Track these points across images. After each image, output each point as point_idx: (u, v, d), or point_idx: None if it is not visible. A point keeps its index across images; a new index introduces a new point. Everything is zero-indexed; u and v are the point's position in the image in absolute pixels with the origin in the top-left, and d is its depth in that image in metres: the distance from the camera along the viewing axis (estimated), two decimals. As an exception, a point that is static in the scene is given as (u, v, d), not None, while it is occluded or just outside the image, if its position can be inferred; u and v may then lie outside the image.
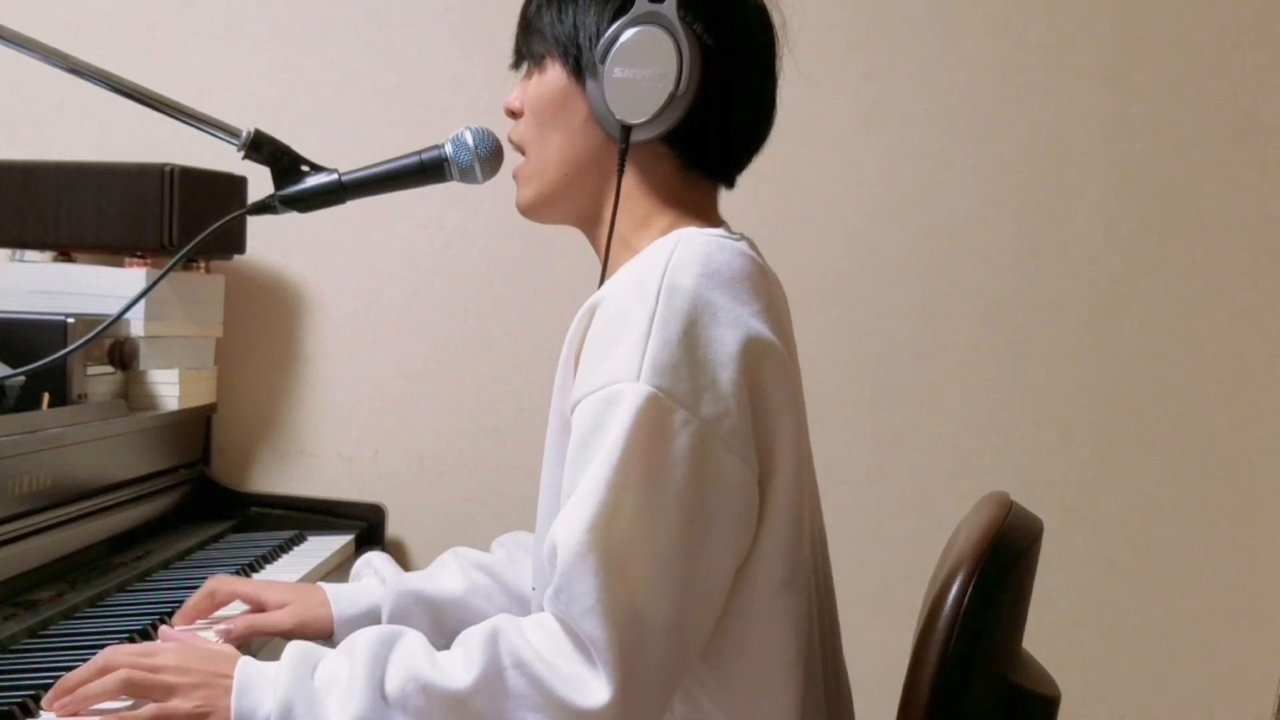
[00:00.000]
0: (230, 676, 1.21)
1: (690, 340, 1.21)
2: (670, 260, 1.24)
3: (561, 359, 1.29)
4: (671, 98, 1.29)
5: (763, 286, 1.28)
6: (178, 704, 1.20)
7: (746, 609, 1.27)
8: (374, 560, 1.63)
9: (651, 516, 1.18)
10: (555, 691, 1.16)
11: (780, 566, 1.27)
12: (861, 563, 2.34)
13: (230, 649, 1.33)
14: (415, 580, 1.57)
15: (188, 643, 1.33)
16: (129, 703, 1.23)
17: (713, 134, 1.34)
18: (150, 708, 1.21)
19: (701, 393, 1.20)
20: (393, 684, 1.18)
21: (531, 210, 1.41)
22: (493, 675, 1.17)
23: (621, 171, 1.33)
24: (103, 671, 1.22)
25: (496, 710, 1.17)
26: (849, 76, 2.39)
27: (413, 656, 1.20)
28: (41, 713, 1.25)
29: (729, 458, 1.21)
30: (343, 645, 1.24)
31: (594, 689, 1.16)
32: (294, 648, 1.25)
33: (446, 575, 1.57)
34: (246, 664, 1.23)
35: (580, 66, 1.34)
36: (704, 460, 1.20)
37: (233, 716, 1.19)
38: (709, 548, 1.21)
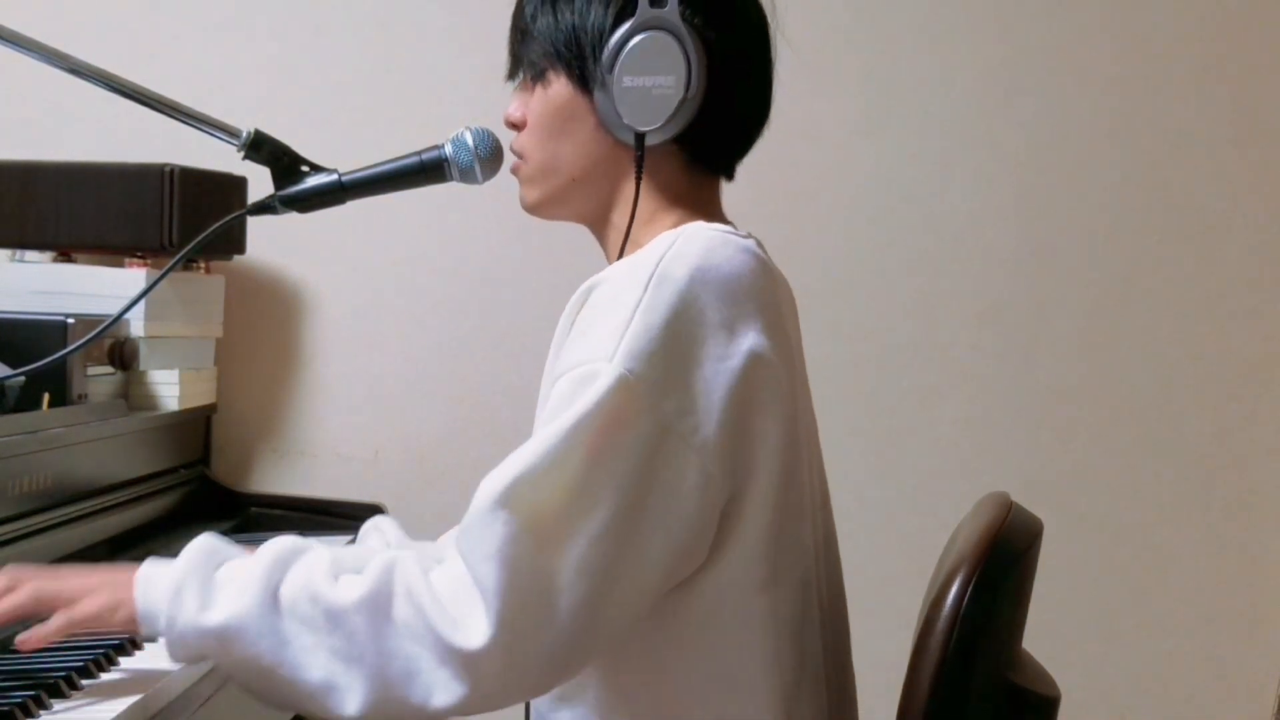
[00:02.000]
0: (134, 573, 1.25)
1: (672, 332, 1.20)
2: (668, 251, 1.24)
3: (555, 338, 1.30)
4: (682, 102, 1.29)
5: (762, 285, 1.28)
6: (84, 606, 1.25)
7: (721, 607, 1.26)
8: (381, 523, 1.60)
9: (588, 493, 1.17)
10: (436, 625, 1.16)
11: (758, 567, 1.26)
12: (861, 563, 2.33)
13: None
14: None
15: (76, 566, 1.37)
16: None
17: (719, 130, 1.35)
18: (58, 616, 1.25)
19: (671, 386, 1.20)
20: (286, 589, 1.20)
21: (536, 210, 1.42)
22: (380, 597, 1.18)
23: (639, 179, 1.32)
24: (9, 589, 1.27)
25: (375, 630, 1.18)
26: (849, 77, 2.39)
27: (312, 566, 1.22)
28: (42, 713, 1.26)
29: (686, 455, 1.20)
30: (256, 554, 1.25)
31: (473, 631, 1.15)
32: (201, 540, 1.27)
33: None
34: (150, 562, 1.26)
35: (585, 76, 1.33)
36: (656, 453, 1.19)
37: (137, 606, 1.23)
38: (642, 539, 1.19)
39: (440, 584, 1.18)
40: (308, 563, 1.22)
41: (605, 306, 1.23)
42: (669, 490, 1.20)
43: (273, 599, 1.20)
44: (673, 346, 1.20)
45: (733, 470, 1.23)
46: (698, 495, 1.21)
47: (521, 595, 1.15)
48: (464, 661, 1.16)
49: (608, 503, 1.18)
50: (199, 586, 1.22)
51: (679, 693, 1.27)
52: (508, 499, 1.16)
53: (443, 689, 1.17)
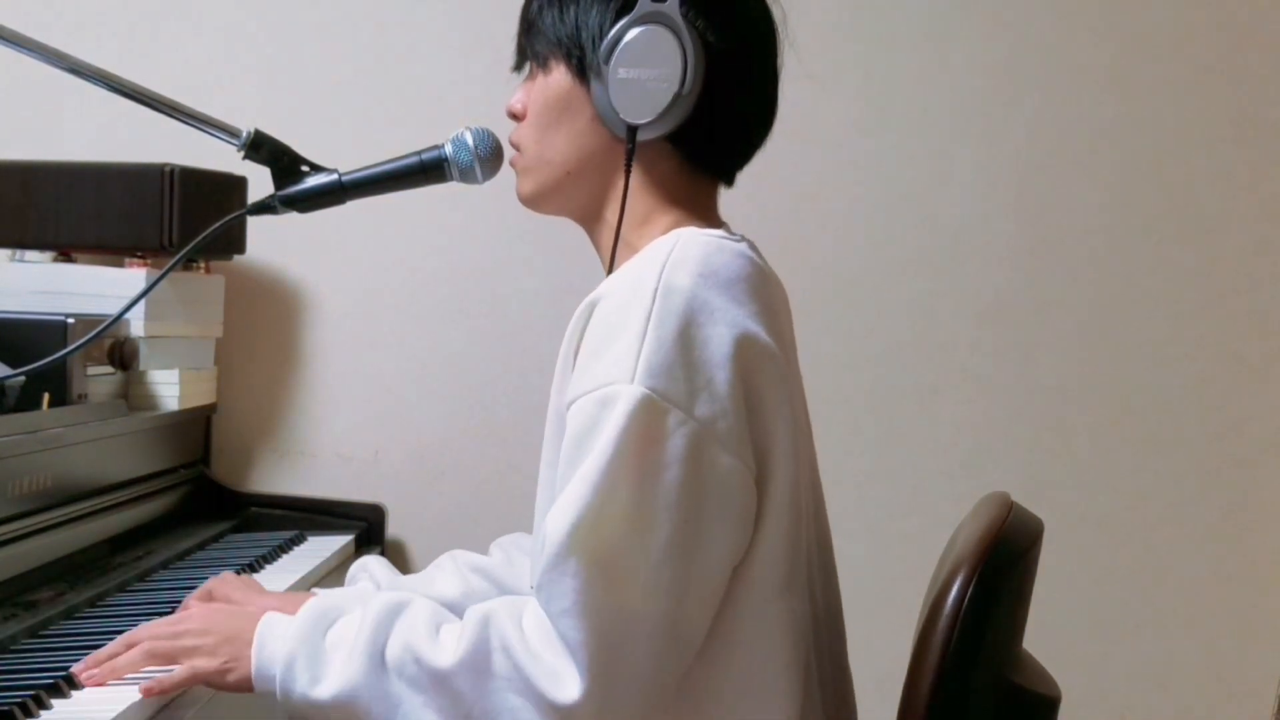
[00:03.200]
0: (251, 634, 1.28)
1: (686, 341, 1.21)
2: (668, 259, 1.24)
3: (560, 356, 1.29)
4: (676, 97, 1.29)
5: (761, 288, 1.28)
6: (203, 663, 1.28)
7: (744, 611, 1.26)
8: (369, 564, 1.63)
9: (644, 517, 1.18)
10: (533, 680, 1.18)
11: (778, 569, 1.27)
12: (861, 563, 2.33)
13: (255, 609, 1.36)
14: (411, 584, 1.58)
15: (212, 606, 1.42)
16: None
17: (716, 131, 1.34)
18: (184, 665, 1.29)
19: (697, 393, 1.20)
20: (392, 651, 1.23)
21: (531, 202, 1.42)
22: (479, 656, 1.20)
23: (628, 171, 1.33)
24: (128, 647, 1.32)
25: (479, 689, 1.20)
26: (849, 76, 2.39)
27: (414, 626, 1.24)
28: (42, 713, 1.26)
29: (725, 458, 1.21)
30: (361, 610, 1.28)
31: (568, 684, 1.18)
32: (314, 603, 1.31)
33: (442, 579, 1.57)
34: (270, 618, 1.29)
35: (584, 67, 1.34)
36: (699, 461, 1.20)
37: (253, 669, 1.26)
38: (706, 547, 1.21)
39: (534, 636, 1.20)
40: (409, 621, 1.25)
41: (613, 323, 1.23)
42: (719, 492, 1.21)
43: (380, 662, 1.23)
44: (688, 355, 1.21)
45: (756, 459, 1.24)
46: (742, 490, 1.23)
47: (606, 640, 1.18)
48: (563, 715, 1.18)
49: (666, 523, 1.19)
50: (309, 657, 1.25)
51: (703, 700, 1.28)
52: (571, 548, 1.18)
53: None
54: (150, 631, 1.33)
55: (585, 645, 1.17)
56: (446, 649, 1.22)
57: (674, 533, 1.19)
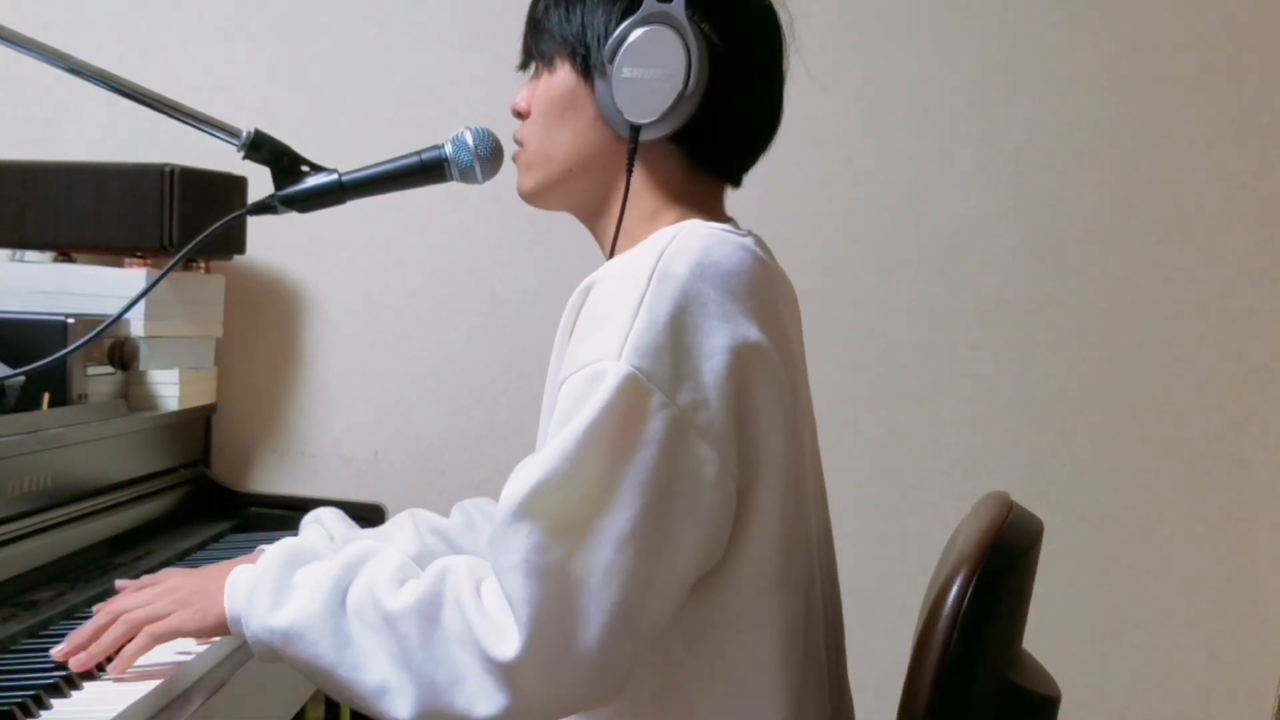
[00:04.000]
0: (224, 579, 1.31)
1: (677, 326, 1.20)
2: (668, 247, 1.24)
3: (557, 339, 1.30)
4: (680, 97, 1.29)
5: (762, 283, 1.28)
6: (170, 622, 1.31)
7: (734, 606, 1.26)
8: (322, 516, 1.64)
9: (610, 493, 1.18)
10: (477, 632, 1.18)
11: (770, 566, 1.26)
12: (861, 563, 2.33)
13: (221, 569, 1.38)
14: (366, 538, 1.58)
15: (180, 569, 1.45)
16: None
17: (720, 133, 1.34)
18: (142, 635, 1.32)
19: (682, 380, 1.20)
20: (354, 593, 1.24)
21: (532, 198, 1.42)
22: (432, 605, 1.21)
23: (630, 171, 1.33)
24: (106, 626, 1.35)
25: (425, 636, 1.20)
26: (850, 77, 2.39)
27: (379, 569, 1.25)
28: (42, 713, 1.26)
29: (703, 448, 1.20)
30: (340, 550, 1.30)
31: (509, 640, 1.17)
32: (289, 541, 1.34)
33: (400, 537, 1.57)
34: (242, 565, 1.32)
35: (589, 66, 1.34)
36: (676, 447, 1.19)
37: (225, 607, 1.29)
38: (672, 536, 1.20)
39: (487, 595, 1.20)
40: (375, 565, 1.26)
41: (607, 305, 1.23)
42: (691, 484, 1.20)
43: (340, 601, 1.24)
44: (678, 340, 1.20)
45: (742, 459, 1.23)
46: (718, 486, 1.22)
47: (550, 605, 1.17)
48: (503, 672, 1.17)
49: (632, 503, 1.18)
50: (273, 587, 1.27)
51: (692, 695, 1.27)
52: (529, 508, 1.17)
53: (486, 699, 1.18)
54: (127, 602, 1.36)
55: (527, 603, 1.16)
56: (403, 594, 1.22)
57: (639, 515, 1.18)
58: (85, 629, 1.36)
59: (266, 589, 1.27)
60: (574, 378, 1.21)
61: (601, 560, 1.17)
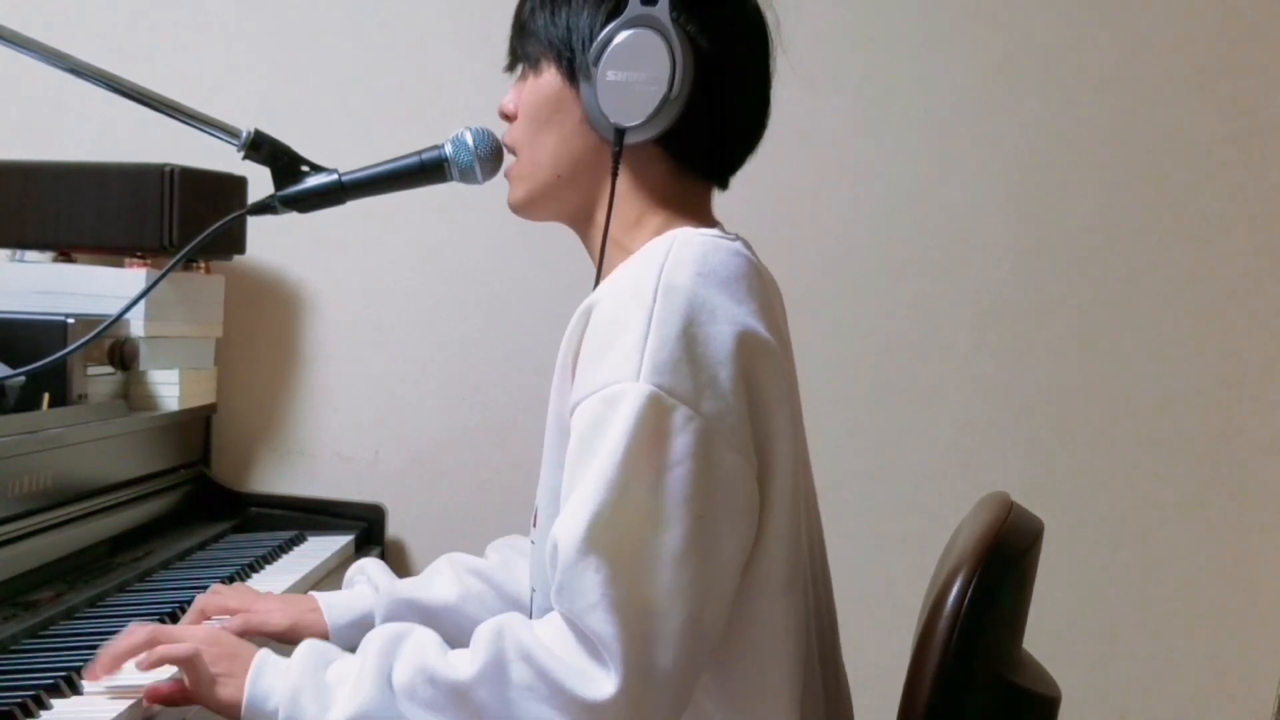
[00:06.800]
0: (250, 658, 1.27)
1: (689, 338, 1.21)
2: (666, 260, 1.24)
3: (558, 362, 1.29)
4: (665, 100, 1.29)
5: (758, 286, 1.28)
6: (201, 664, 1.27)
7: (747, 610, 1.26)
8: (367, 567, 1.63)
9: (660, 513, 1.18)
10: (561, 682, 1.16)
11: (781, 568, 1.27)
12: (861, 563, 2.34)
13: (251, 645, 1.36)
14: (408, 587, 1.57)
15: (214, 630, 1.40)
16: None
17: (706, 136, 1.34)
18: (185, 646, 1.28)
19: (702, 390, 1.20)
20: (400, 675, 1.21)
21: (522, 208, 1.42)
22: (497, 666, 1.18)
23: (615, 174, 1.33)
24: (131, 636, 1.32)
25: (500, 699, 1.18)
26: (848, 77, 2.39)
27: (422, 648, 1.22)
28: (42, 713, 1.26)
29: (731, 455, 1.21)
30: (359, 648, 1.26)
31: (601, 681, 1.16)
32: (308, 644, 1.28)
33: (440, 582, 1.57)
34: (265, 653, 1.28)
35: (574, 69, 1.33)
36: (708, 457, 1.20)
37: (244, 697, 1.24)
38: (719, 544, 1.21)
39: (553, 641, 1.19)
40: (415, 644, 1.23)
41: (614, 325, 1.22)
42: (728, 489, 1.21)
43: (387, 688, 1.21)
44: (692, 352, 1.20)
45: (758, 456, 1.24)
46: (747, 486, 1.23)
47: (636, 634, 1.16)
48: (593, 713, 1.16)
49: (681, 519, 1.18)
50: (314, 689, 1.23)
51: (705, 703, 1.27)
52: (591, 544, 1.17)
53: None
54: (158, 628, 1.33)
55: (618, 638, 1.15)
56: (462, 665, 1.20)
57: (690, 529, 1.18)
58: (120, 647, 1.33)
59: (309, 692, 1.23)
60: (590, 400, 1.21)
61: (665, 580, 1.18)
